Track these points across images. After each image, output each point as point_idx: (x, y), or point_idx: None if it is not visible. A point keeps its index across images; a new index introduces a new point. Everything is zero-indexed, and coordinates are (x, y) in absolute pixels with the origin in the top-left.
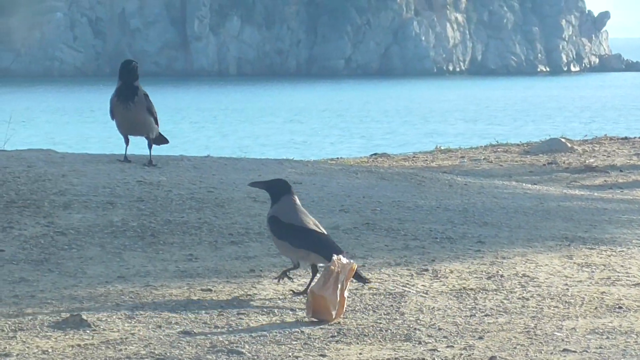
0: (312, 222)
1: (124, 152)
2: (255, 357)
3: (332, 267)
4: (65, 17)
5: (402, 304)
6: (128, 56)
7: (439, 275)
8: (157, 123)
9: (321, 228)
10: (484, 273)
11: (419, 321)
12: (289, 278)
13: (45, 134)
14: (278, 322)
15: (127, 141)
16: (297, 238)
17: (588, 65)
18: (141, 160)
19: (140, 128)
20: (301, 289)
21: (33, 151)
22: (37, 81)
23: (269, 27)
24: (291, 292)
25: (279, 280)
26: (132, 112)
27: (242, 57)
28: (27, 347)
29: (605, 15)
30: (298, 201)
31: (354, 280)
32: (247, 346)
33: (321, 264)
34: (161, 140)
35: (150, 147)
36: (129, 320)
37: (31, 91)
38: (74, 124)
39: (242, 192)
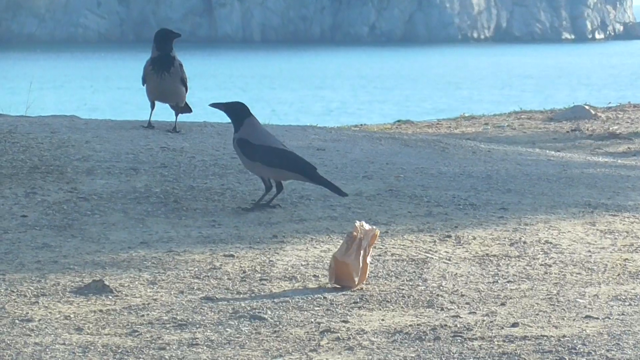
0: (280, 143)
1: (148, 118)
2: (278, 322)
3: (355, 233)
4: None
5: (425, 270)
6: (152, 23)
7: (461, 242)
8: (186, 92)
9: (287, 147)
10: (506, 240)
11: (441, 287)
12: (271, 206)
13: (69, 100)
14: (300, 288)
15: (153, 107)
16: (270, 158)
17: (612, 33)
18: (165, 126)
19: (170, 97)
20: (324, 256)
21: (56, 117)
22: (60, 47)
23: None
24: (252, 202)
25: (250, 210)
26: (166, 81)
27: (266, 24)
28: (50, 313)
29: None
30: (260, 124)
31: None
32: (269, 312)
33: (292, 180)
34: (185, 109)
35: (176, 114)
36: (152, 286)
37: (55, 57)
38: (98, 90)
39: None
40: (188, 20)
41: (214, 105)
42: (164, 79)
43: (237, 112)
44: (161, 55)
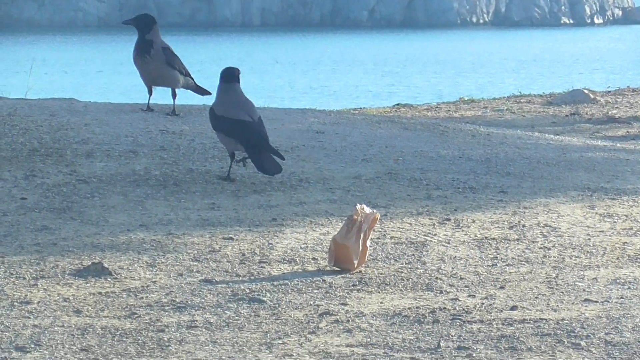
0: (243, 112)
1: (146, 102)
2: (277, 305)
3: (355, 217)
4: None
5: (424, 253)
6: (151, 8)
7: (461, 225)
8: (184, 74)
9: (253, 117)
10: (506, 223)
11: (440, 270)
12: (230, 180)
13: (69, 84)
14: (300, 270)
15: (150, 92)
16: (229, 129)
17: (611, 18)
18: (164, 109)
19: (160, 80)
20: (324, 239)
21: (56, 100)
22: (60, 31)
23: None
24: (219, 177)
25: (226, 178)
26: (150, 64)
27: (265, 8)
28: (49, 295)
29: None
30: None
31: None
32: (268, 294)
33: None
34: (201, 91)
35: (174, 97)
36: (151, 269)
37: (54, 41)
38: (97, 73)
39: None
40: (187, 5)
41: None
42: (147, 63)
43: (229, 75)
44: (139, 39)
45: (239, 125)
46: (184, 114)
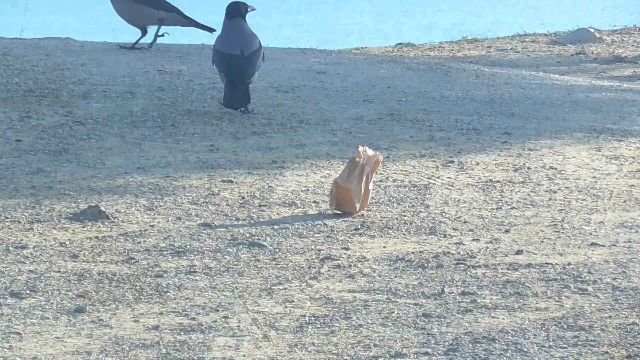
0: (236, 47)
1: (148, 42)
2: (277, 249)
3: (357, 159)
4: None
5: (427, 196)
6: None
7: (464, 167)
8: (163, 9)
9: (244, 51)
10: (510, 165)
11: (444, 214)
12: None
13: (64, 23)
14: (300, 214)
15: (143, 33)
16: (218, 62)
17: None
18: (162, 49)
19: (125, 18)
20: (325, 181)
21: (51, 39)
22: None
23: None
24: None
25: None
26: (115, 4)
27: None
28: (44, 239)
29: None
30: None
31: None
32: (268, 239)
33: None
34: (201, 26)
35: (142, 34)
36: (148, 212)
37: None
38: (93, 12)
39: (265, 82)
40: None
41: None
42: (114, 2)
43: (226, 11)
44: None
45: (225, 59)
46: (182, 54)
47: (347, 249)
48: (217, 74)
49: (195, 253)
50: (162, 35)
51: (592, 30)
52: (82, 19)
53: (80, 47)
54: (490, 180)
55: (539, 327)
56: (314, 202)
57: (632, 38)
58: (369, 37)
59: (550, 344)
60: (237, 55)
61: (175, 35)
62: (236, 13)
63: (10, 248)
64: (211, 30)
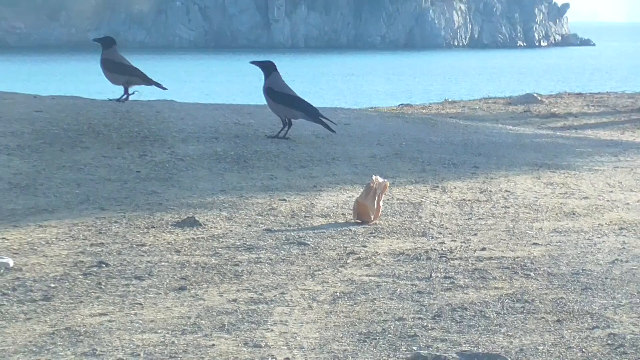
0: (294, 93)
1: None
2: (317, 247)
3: (372, 184)
4: (182, 5)
5: (420, 210)
6: (227, 34)
7: (446, 190)
8: (127, 74)
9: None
10: (477, 189)
11: (431, 222)
12: (287, 138)
13: (169, 89)
14: (333, 222)
15: (125, 91)
16: (286, 101)
17: (553, 41)
18: (236, 108)
19: (111, 81)
20: (349, 200)
21: (160, 101)
22: (161, 51)
23: (327, 13)
24: (272, 137)
25: (276, 137)
26: (104, 73)
27: (308, 34)
28: (157, 240)
29: (566, 6)
30: (281, 78)
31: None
32: (311, 239)
33: (302, 119)
34: (155, 84)
35: (125, 92)
36: (228, 221)
37: (157, 59)
38: (189, 82)
39: (308, 131)
40: (252, 32)
41: (252, 62)
42: (104, 71)
43: (268, 66)
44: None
45: (299, 101)
46: (250, 111)
47: (365, 246)
48: (280, 109)
49: (261, 249)
50: (133, 92)
51: (535, 95)
52: (181, 85)
53: (179, 106)
54: (463, 199)
55: (497, 300)
56: (342, 214)
57: (563, 100)
58: (380, 99)
59: (505, 312)
60: (301, 98)
61: (241, 97)
62: (274, 67)
63: (134, 245)
64: (164, 88)
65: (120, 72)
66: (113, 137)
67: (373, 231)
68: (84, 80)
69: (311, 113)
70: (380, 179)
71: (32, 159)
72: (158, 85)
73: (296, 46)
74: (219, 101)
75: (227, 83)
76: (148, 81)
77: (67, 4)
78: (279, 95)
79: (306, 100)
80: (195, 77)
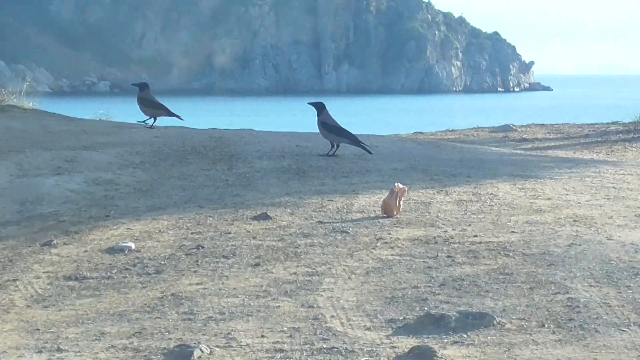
0: (339, 125)
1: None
2: (355, 234)
3: (394, 189)
4: (260, 63)
5: (429, 207)
6: (292, 83)
7: (448, 193)
8: (154, 108)
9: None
10: (471, 192)
11: (438, 216)
12: (335, 155)
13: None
14: (367, 217)
15: (153, 119)
16: (337, 131)
17: (523, 87)
18: (297, 135)
19: (145, 113)
20: (378, 200)
21: (242, 130)
22: (245, 95)
23: (363, 68)
24: (324, 156)
25: (326, 155)
26: (140, 107)
27: (349, 83)
28: (239, 229)
29: (531, 63)
30: (330, 114)
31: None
32: (350, 229)
33: (347, 144)
34: (174, 115)
35: (149, 118)
36: (291, 216)
37: (242, 100)
38: (265, 116)
39: (349, 152)
40: (310, 81)
41: (309, 103)
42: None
43: (320, 106)
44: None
45: (344, 131)
46: (307, 137)
47: (390, 233)
48: (332, 137)
49: (314, 236)
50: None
51: (511, 125)
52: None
53: (257, 133)
54: (460, 199)
55: (486, 273)
56: (373, 210)
57: (531, 129)
58: (400, 129)
59: (491, 281)
60: (346, 129)
61: (301, 127)
62: (324, 106)
63: (222, 233)
64: (182, 119)
65: (150, 107)
66: (209, 155)
67: (395, 223)
68: (189, 115)
69: (353, 139)
70: (401, 185)
71: (151, 171)
72: (178, 117)
73: (340, 91)
74: (286, 130)
75: (291, 117)
76: (170, 114)
77: (178, 61)
78: (330, 127)
79: (348, 130)
80: (269, 113)
